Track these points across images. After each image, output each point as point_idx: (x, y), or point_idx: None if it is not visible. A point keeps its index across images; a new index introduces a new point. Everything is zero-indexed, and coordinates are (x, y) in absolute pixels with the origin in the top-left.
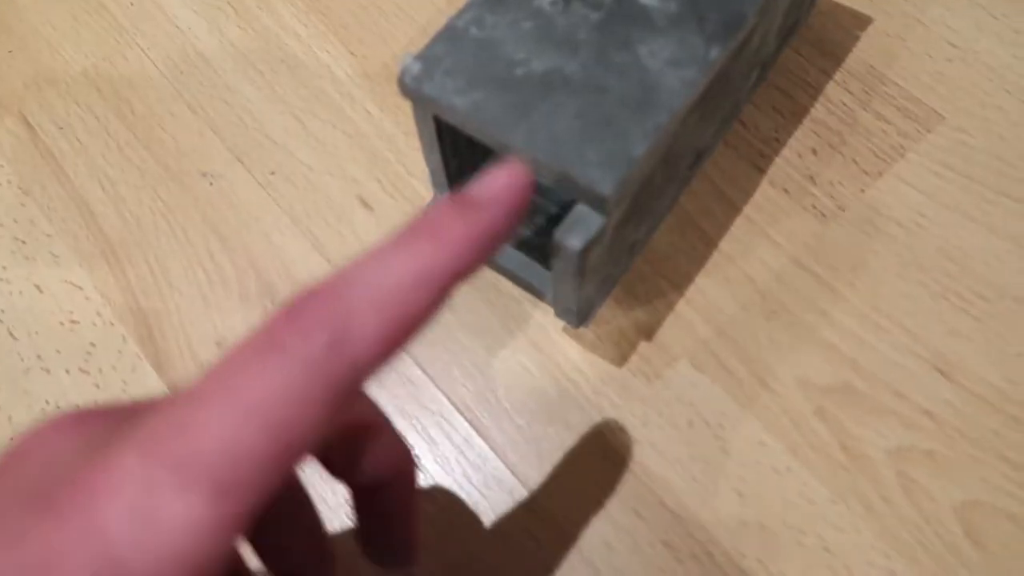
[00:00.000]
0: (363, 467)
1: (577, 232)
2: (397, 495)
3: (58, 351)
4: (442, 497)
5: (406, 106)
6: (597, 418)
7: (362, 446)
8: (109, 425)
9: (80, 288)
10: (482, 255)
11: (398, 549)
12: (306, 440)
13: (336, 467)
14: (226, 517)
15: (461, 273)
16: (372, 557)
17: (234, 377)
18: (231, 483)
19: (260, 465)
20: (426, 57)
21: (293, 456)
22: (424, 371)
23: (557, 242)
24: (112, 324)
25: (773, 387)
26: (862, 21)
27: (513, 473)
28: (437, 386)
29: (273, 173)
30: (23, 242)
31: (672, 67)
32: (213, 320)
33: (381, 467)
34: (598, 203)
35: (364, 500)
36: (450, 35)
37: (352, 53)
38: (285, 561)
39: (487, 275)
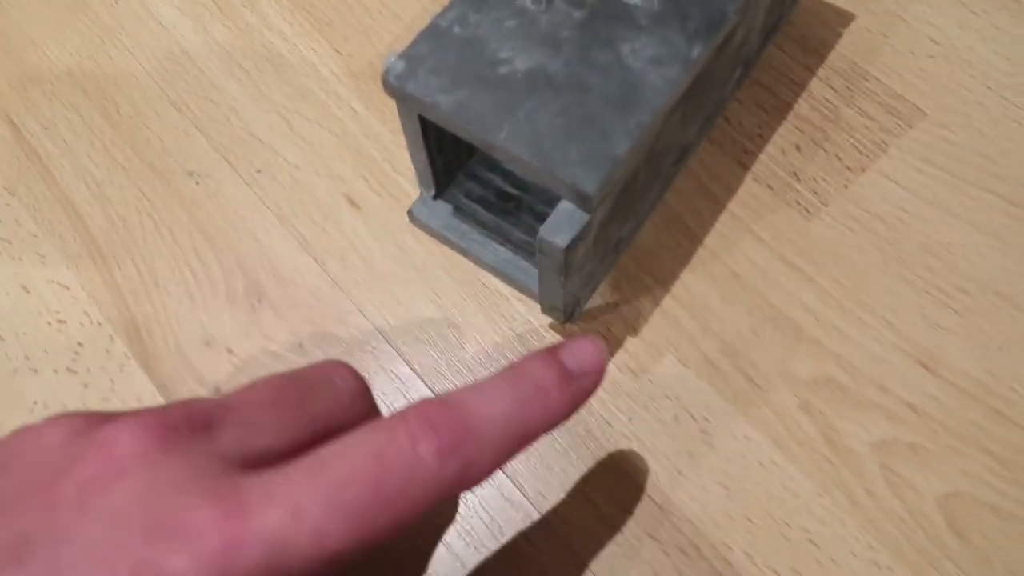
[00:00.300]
0: None
1: (562, 230)
2: None
3: (45, 351)
4: None
5: (392, 104)
6: (584, 413)
7: None
8: (197, 441)
9: (67, 288)
10: (567, 419)
11: None
12: (399, 530)
13: None
14: (335, 567)
15: (549, 431)
16: None
17: (374, 465)
18: (350, 550)
19: (373, 536)
20: (409, 56)
21: (388, 535)
22: (411, 367)
23: (542, 240)
24: (99, 324)
25: (758, 382)
26: (845, 18)
27: (502, 470)
28: (424, 382)
29: (259, 172)
30: (9, 242)
31: (655, 65)
32: (201, 319)
33: None
34: (582, 201)
35: None
36: (433, 34)
37: (337, 51)
38: None
39: (475, 272)
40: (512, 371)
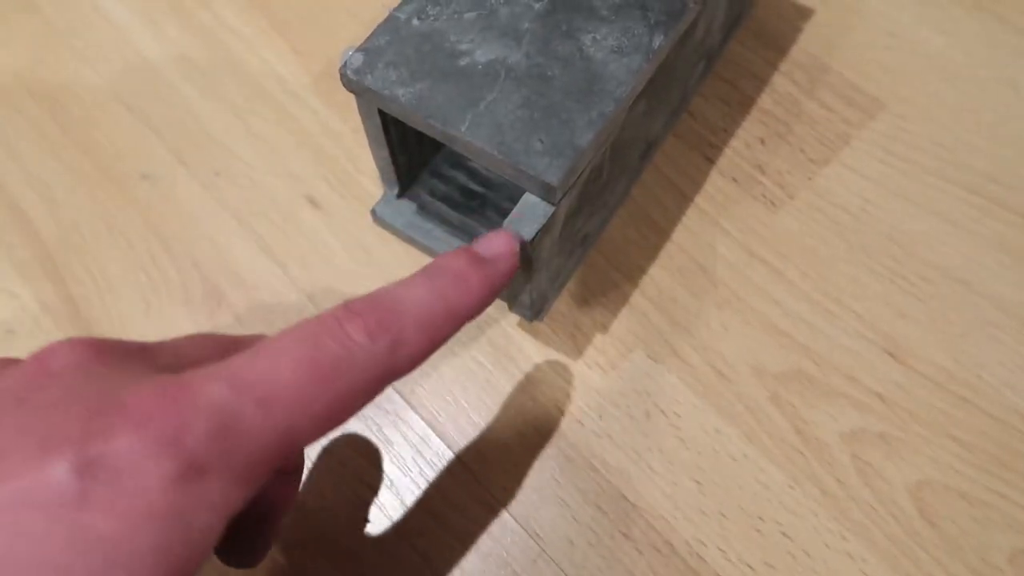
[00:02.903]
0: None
1: (526, 223)
2: (283, 490)
3: None
4: (399, 497)
5: (353, 103)
6: (554, 412)
7: None
8: (126, 356)
9: (17, 296)
10: (490, 299)
11: (259, 547)
12: (345, 409)
13: None
14: (288, 444)
15: (476, 312)
16: (226, 556)
17: (309, 347)
18: (300, 428)
19: (318, 411)
20: (368, 49)
21: (335, 413)
22: None
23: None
24: (51, 333)
25: (727, 375)
26: (804, 13)
27: (471, 471)
28: (392, 385)
29: (217, 174)
30: None
31: (617, 55)
32: (156, 326)
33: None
34: (546, 192)
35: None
36: (392, 27)
37: (296, 51)
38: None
39: None
40: (430, 265)
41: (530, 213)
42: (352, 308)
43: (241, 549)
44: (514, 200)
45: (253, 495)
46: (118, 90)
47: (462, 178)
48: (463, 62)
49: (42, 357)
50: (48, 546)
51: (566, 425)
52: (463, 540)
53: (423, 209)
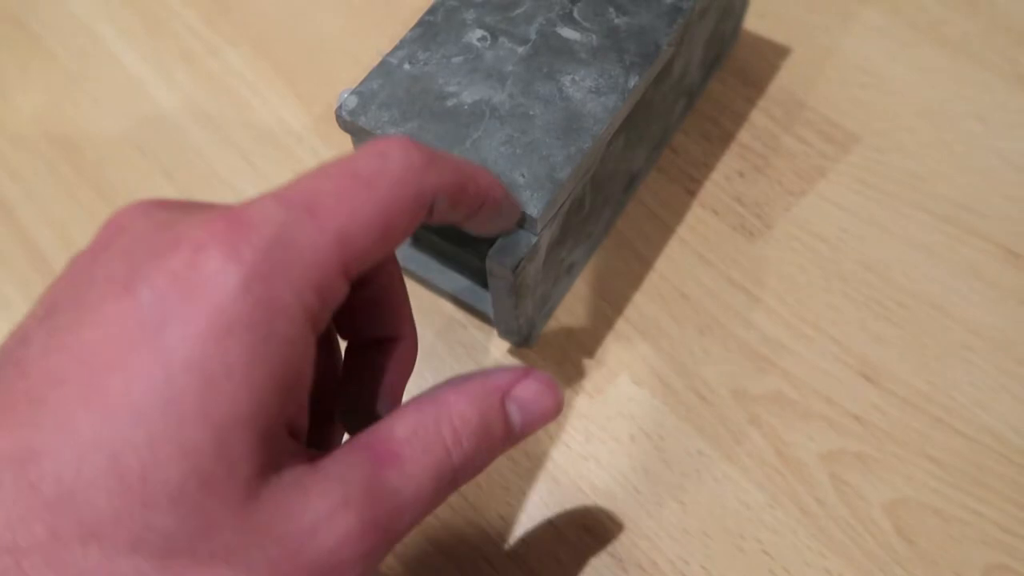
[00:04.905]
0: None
1: (509, 252)
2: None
3: None
4: None
5: (350, 144)
6: (542, 436)
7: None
8: (181, 203)
9: None
10: (500, 196)
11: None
12: (392, 219)
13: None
14: (346, 250)
15: (490, 190)
16: (348, 418)
17: (348, 162)
18: (350, 232)
19: (366, 216)
20: (362, 92)
21: (382, 220)
22: None
23: (491, 261)
24: None
25: (709, 398)
26: (781, 52)
27: (462, 495)
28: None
29: None
30: None
31: (594, 95)
32: None
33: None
34: (528, 224)
35: (361, 356)
36: (385, 71)
37: (298, 95)
38: None
39: (431, 301)
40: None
41: (513, 243)
42: (386, 136)
43: (354, 407)
44: None
45: (333, 309)
46: (131, 134)
47: None
48: (451, 103)
49: (112, 218)
50: (143, 369)
51: (553, 448)
52: (453, 560)
53: (417, 241)
